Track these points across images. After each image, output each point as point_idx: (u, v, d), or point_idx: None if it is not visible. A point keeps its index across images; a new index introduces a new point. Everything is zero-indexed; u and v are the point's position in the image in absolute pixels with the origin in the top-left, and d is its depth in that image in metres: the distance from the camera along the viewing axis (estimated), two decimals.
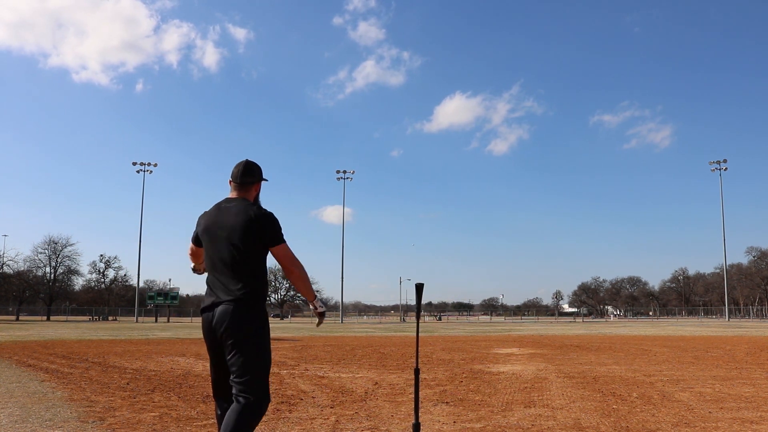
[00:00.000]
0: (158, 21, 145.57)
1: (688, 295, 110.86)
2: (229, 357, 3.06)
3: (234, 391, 3.04)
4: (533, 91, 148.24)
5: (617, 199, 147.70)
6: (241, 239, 3.13)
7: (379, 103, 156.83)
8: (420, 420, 3.09)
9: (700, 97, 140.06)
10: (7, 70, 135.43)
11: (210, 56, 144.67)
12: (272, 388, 7.49)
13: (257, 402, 3.01)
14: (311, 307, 3.34)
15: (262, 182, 3.41)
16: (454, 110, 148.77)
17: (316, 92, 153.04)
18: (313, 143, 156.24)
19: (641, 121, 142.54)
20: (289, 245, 3.22)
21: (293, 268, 3.19)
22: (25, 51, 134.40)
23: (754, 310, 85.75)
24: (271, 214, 3.21)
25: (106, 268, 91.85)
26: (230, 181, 3.34)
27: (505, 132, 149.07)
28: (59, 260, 79.97)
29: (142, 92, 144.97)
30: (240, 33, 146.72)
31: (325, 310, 3.42)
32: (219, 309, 3.10)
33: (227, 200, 3.30)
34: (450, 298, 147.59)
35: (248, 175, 3.31)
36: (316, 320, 3.45)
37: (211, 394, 3.24)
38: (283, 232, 3.21)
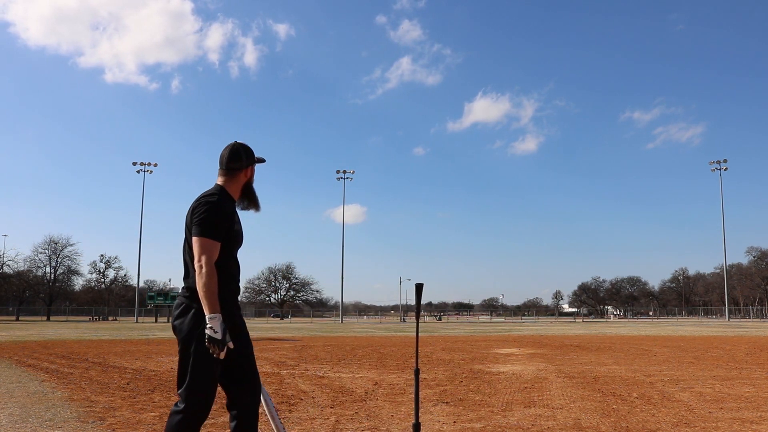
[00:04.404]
0: (202, 21, 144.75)
1: (688, 295, 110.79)
2: (247, 358, 2.99)
3: (247, 401, 2.96)
4: (565, 89, 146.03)
5: (617, 198, 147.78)
6: None
7: (410, 101, 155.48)
8: (420, 420, 3.08)
9: (701, 97, 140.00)
10: (18, 64, 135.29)
11: (249, 54, 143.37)
12: (272, 388, 7.50)
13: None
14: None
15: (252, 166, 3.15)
16: (482, 109, 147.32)
17: (349, 90, 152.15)
18: (340, 142, 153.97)
19: (666, 121, 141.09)
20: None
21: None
22: (61, 49, 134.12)
23: (754, 310, 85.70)
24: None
25: (106, 268, 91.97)
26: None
27: (533, 130, 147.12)
28: (59, 260, 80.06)
29: (155, 91, 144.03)
30: (281, 29, 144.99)
31: (217, 338, 2.73)
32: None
33: (229, 195, 3.06)
34: (450, 298, 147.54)
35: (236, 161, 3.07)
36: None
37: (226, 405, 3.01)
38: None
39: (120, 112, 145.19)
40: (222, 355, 2.75)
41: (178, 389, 2.83)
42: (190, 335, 2.82)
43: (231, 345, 2.80)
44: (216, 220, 2.85)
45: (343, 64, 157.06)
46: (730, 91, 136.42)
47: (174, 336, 2.94)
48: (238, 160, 3.06)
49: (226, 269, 2.91)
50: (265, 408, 3.08)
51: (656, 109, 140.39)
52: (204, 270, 2.75)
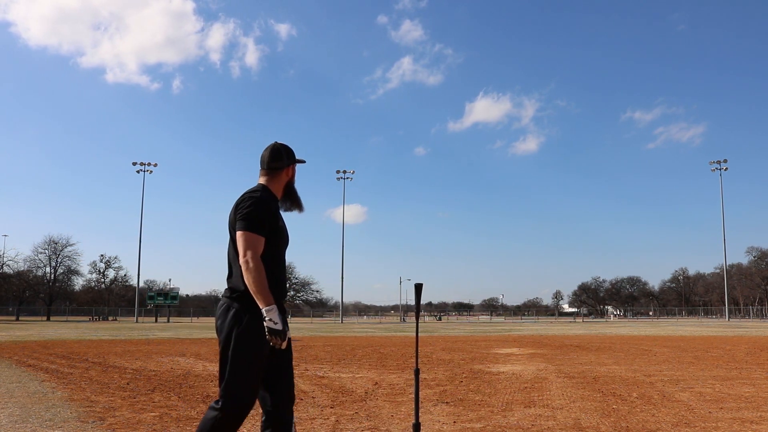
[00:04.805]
0: (203, 21, 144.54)
1: (688, 295, 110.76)
2: (286, 362, 2.95)
3: (284, 407, 2.89)
4: (565, 89, 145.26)
5: (617, 198, 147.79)
6: None
7: (410, 101, 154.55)
8: (420, 420, 3.08)
9: (702, 97, 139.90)
10: (16, 64, 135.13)
11: (251, 54, 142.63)
12: None
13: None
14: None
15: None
16: (483, 109, 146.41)
17: (350, 90, 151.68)
18: (340, 142, 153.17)
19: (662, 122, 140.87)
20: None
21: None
22: (60, 49, 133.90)
23: (754, 310, 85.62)
24: None
25: (106, 268, 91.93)
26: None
27: (534, 130, 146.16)
28: (59, 260, 79.96)
29: (156, 91, 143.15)
30: (282, 29, 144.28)
31: (277, 328, 2.72)
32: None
33: (272, 193, 3.07)
34: (450, 298, 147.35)
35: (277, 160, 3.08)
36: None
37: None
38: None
39: (121, 112, 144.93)
40: (284, 345, 2.75)
41: (219, 386, 2.82)
42: (228, 335, 2.80)
43: (290, 334, 2.82)
44: (261, 215, 2.84)
45: (345, 64, 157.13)
46: (731, 91, 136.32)
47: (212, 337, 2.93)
48: (279, 159, 3.07)
49: (273, 270, 2.89)
50: None
51: (657, 109, 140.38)
52: (251, 265, 2.73)
